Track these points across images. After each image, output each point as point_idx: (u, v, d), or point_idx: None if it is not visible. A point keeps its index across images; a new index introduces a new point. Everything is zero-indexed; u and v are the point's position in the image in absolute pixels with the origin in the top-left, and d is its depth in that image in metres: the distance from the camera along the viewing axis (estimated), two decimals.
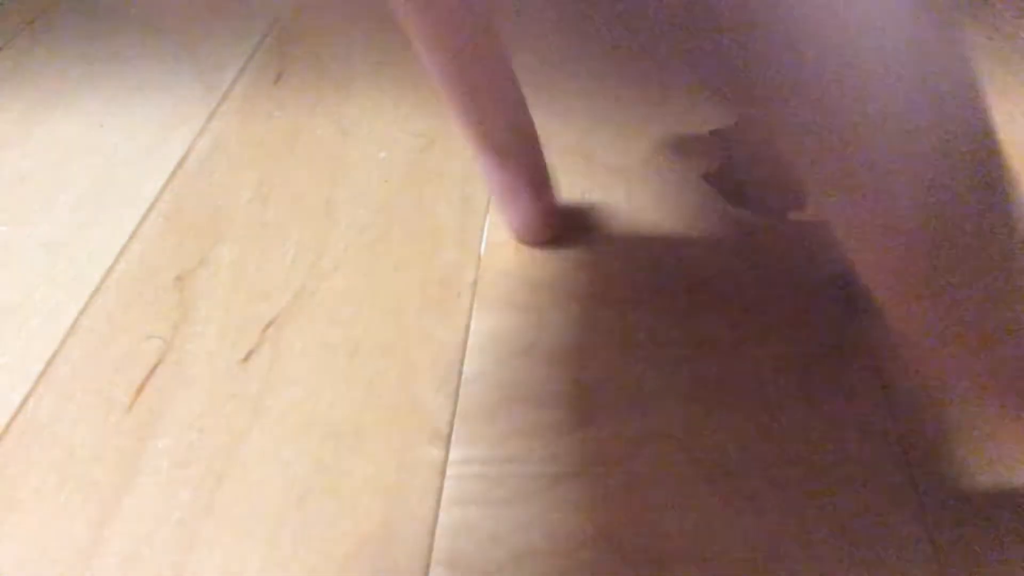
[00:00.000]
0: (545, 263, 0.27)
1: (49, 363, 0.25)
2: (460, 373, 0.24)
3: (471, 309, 0.26)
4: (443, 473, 0.21)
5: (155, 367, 0.25)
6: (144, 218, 0.30)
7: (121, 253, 0.29)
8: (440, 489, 0.21)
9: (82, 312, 0.26)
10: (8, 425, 0.23)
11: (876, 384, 0.23)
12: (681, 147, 0.30)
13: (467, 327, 0.25)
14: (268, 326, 0.26)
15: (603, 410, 0.23)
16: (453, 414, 0.23)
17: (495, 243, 0.28)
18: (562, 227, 0.27)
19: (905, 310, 0.16)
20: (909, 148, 0.13)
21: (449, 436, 0.22)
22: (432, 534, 0.20)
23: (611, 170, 0.31)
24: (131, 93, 0.36)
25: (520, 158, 0.26)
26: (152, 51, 0.39)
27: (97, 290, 0.27)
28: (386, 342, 0.25)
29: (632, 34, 0.15)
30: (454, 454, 0.22)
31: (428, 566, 0.20)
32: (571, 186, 0.30)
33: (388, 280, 0.27)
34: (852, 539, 0.20)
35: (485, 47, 0.22)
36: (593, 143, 0.33)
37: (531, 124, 0.26)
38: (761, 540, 0.20)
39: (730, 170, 0.25)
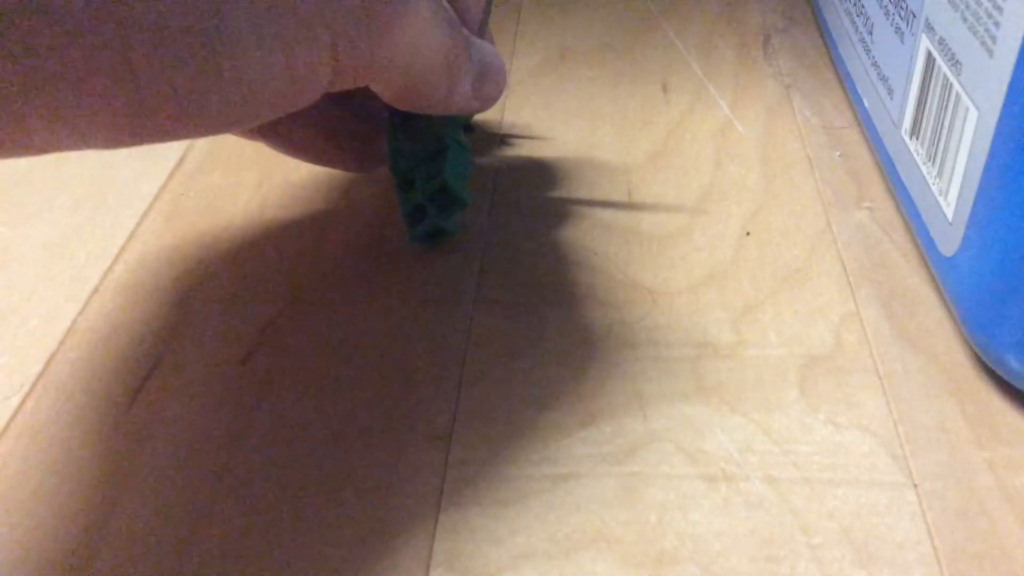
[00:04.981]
0: (545, 263, 0.27)
1: (48, 364, 0.25)
2: (460, 373, 0.24)
3: (471, 309, 0.26)
4: (443, 474, 0.21)
5: (154, 368, 0.24)
6: (143, 219, 0.30)
7: (120, 254, 0.29)
8: (440, 490, 0.21)
9: (81, 313, 0.26)
10: (7, 426, 0.23)
11: (876, 384, 0.23)
12: None
13: (467, 327, 0.25)
14: (267, 327, 0.26)
15: (603, 410, 0.23)
16: (453, 415, 0.23)
17: (495, 243, 0.28)
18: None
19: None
20: None
21: (449, 437, 0.22)
22: (432, 536, 0.20)
23: (612, 169, 0.31)
24: None
25: None
26: None
27: (96, 291, 0.27)
28: (386, 342, 0.25)
29: None
30: (454, 455, 0.22)
31: (428, 568, 0.19)
32: (572, 185, 0.30)
33: (388, 280, 0.27)
34: (852, 539, 0.20)
35: None
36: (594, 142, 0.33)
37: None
38: (761, 541, 0.20)
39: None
